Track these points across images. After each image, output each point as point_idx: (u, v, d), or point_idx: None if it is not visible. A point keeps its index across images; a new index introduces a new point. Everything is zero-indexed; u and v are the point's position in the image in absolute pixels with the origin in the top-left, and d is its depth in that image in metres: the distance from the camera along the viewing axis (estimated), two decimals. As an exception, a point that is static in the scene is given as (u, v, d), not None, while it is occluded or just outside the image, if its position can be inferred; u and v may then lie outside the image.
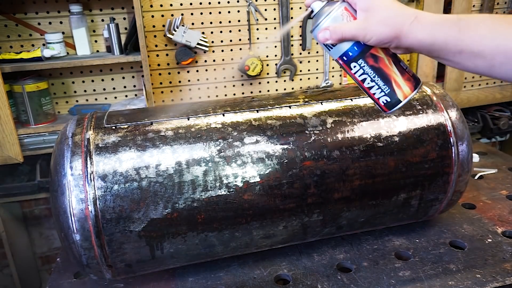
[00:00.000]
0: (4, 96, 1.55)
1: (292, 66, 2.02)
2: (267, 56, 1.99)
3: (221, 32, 1.90)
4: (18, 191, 1.71)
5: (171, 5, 1.81)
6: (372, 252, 1.16)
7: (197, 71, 1.94)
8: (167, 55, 1.87)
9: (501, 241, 1.17)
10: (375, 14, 0.66)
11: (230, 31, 1.91)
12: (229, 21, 1.90)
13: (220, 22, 1.89)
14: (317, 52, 2.05)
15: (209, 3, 1.84)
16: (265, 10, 1.92)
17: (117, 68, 1.86)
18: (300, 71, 2.06)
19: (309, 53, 2.04)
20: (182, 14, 1.83)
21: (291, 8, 1.95)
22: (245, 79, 2.00)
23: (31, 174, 1.75)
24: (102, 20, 1.79)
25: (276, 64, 2.02)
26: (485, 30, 0.63)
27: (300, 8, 1.96)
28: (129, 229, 0.91)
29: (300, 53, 2.03)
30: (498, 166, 1.66)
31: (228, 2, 1.86)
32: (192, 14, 1.84)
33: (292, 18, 1.95)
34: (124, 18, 1.81)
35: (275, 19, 1.94)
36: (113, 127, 0.98)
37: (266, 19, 1.93)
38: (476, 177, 1.57)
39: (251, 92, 2.04)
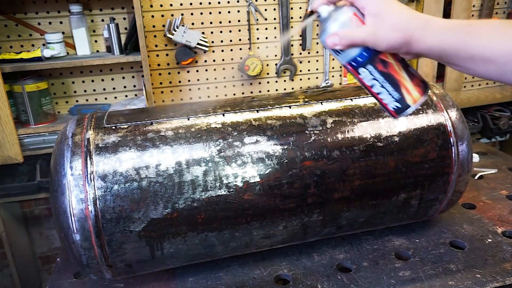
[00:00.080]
0: (4, 96, 1.55)
1: (292, 66, 2.02)
2: (267, 56, 1.99)
3: (221, 32, 1.90)
4: (18, 191, 1.71)
5: (171, 5, 1.81)
6: (372, 252, 1.16)
7: (197, 71, 1.94)
8: (167, 55, 1.87)
9: (501, 241, 1.17)
10: (385, 19, 0.65)
11: (230, 31, 1.91)
12: (229, 21, 1.90)
13: (220, 22, 1.89)
14: (317, 52, 2.05)
15: (209, 3, 1.84)
16: (265, 10, 1.92)
17: (117, 68, 1.86)
18: (300, 71, 2.06)
19: (309, 53, 2.04)
20: (182, 14, 1.83)
21: (291, 8, 1.95)
22: (245, 79, 2.00)
23: (31, 174, 1.75)
24: (102, 20, 1.79)
25: (276, 64, 2.02)
26: (496, 36, 0.62)
27: (300, 8, 1.96)
28: (129, 229, 0.91)
29: (300, 53, 2.03)
30: (498, 166, 1.66)
31: (228, 2, 1.86)
32: (192, 14, 1.84)
33: (292, 18, 1.95)
34: (124, 18, 1.81)
35: (275, 19, 1.94)
36: (113, 127, 0.98)
37: (266, 19, 1.93)
38: (476, 177, 1.57)
39: (251, 92, 2.04)
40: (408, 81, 0.70)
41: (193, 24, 1.86)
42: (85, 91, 1.86)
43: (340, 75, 2.13)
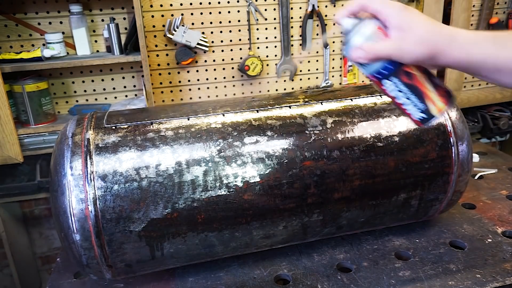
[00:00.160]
0: (4, 96, 1.55)
1: (292, 66, 2.02)
2: (267, 56, 1.99)
3: (221, 32, 1.90)
4: (18, 191, 1.72)
5: (171, 5, 1.81)
6: (372, 252, 1.16)
7: (197, 71, 1.94)
8: (167, 55, 1.87)
9: (501, 241, 1.17)
10: (410, 33, 0.64)
11: (230, 31, 1.91)
12: (229, 21, 1.90)
13: (220, 22, 1.89)
14: (317, 52, 2.05)
15: (209, 3, 1.85)
16: (265, 10, 1.92)
17: (117, 68, 1.86)
18: (300, 71, 2.06)
19: (309, 53, 2.04)
20: (182, 14, 1.83)
21: (291, 8, 1.95)
22: (245, 79, 2.00)
23: (31, 174, 1.75)
24: (102, 20, 1.79)
25: (276, 64, 2.02)
26: None
27: (300, 8, 1.96)
28: (129, 229, 0.91)
29: (300, 53, 2.03)
30: (498, 166, 1.66)
31: (228, 2, 1.87)
32: (192, 14, 1.84)
33: (292, 18, 1.95)
34: (124, 18, 1.81)
35: (275, 19, 1.94)
36: (113, 127, 0.98)
37: (266, 19, 1.93)
38: (476, 177, 1.57)
39: (251, 92, 2.04)
40: (433, 91, 0.70)
41: (193, 24, 1.86)
42: (85, 91, 1.86)
43: (340, 75, 2.13)
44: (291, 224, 1.03)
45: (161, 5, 1.80)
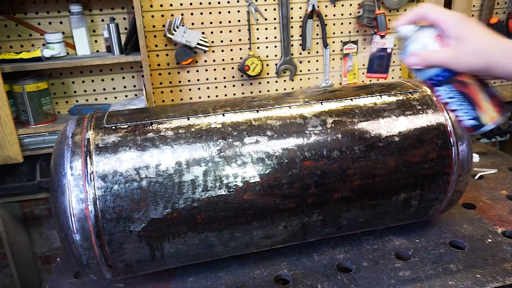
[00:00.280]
0: (4, 96, 1.55)
1: (292, 66, 2.02)
2: (267, 56, 1.99)
3: (221, 32, 1.90)
4: (18, 191, 1.72)
5: (171, 5, 1.81)
6: (372, 252, 1.16)
7: (197, 71, 1.94)
8: (167, 55, 1.87)
9: (501, 241, 1.17)
10: (467, 44, 0.66)
11: (230, 31, 1.91)
12: (229, 21, 1.90)
13: (220, 22, 1.89)
14: (317, 52, 2.05)
15: (209, 3, 1.85)
16: (265, 10, 1.92)
17: (117, 68, 1.86)
18: (300, 71, 2.06)
19: (309, 53, 2.04)
20: (182, 14, 1.83)
21: (291, 8, 1.95)
22: (245, 79, 2.00)
23: (31, 174, 1.75)
24: (102, 20, 1.79)
25: (276, 64, 2.02)
26: None
27: (300, 8, 1.96)
28: (129, 229, 0.91)
29: (300, 53, 2.03)
30: (498, 166, 1.66)
31: (228, 2, 1.87)
32: (192, 14, 1.84)
33: (292, 18, 1.95)
34: (124, 18, 1.81)
35: (275, 19, 1.94)
36: (113, 127, 0.98)
37: (266, 19, 1.93)
38: (476, 177, 1.57)
39: (251, 92, 2.04)
40: (486, 101, 0.71)
41: (193, 24, 1.86)
42: (85, 91, 1.86)
43: (340, 75, 2.13)
44: (291, 224, 1.03)
45: (161, 5, 1.80)
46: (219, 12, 1.87)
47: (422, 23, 0.71)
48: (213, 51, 1.92)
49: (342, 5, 2.01)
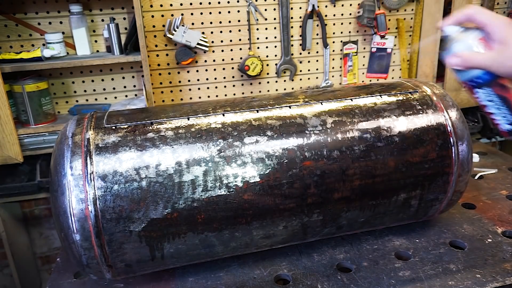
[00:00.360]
0: (4, 96, 1.55)
1: (292, 66, 2.02)
2: (267, 56, 1.99)
3: (221, 32, 1.90)
4: (18, 191, 1.72)
5: (171, 5, 1.81)
6: (372, 252, 1.16)
7: (197, 71, 1.94)
8: (167, 55, 1.87)
9: (501, 241, 1.17)
10: (511, 48, 0.66)
11: (230, 31, 1.91)
12: (229, 21, 1.90)
13: (220, 22, 1.89)
14: (317, 52, 2.05)
15: (209, 3, 1.85)
16: (265, 10, 1.92)
17: (117, 68, 1.86)
18: (300, 71, 2.06)
19: (309, 53, 2.04)
20: (182, 14, 1.83)
21: (291, 8, 1.95)
22: (245, 79, 2.00)
23: (31, 174, 1.75)
24: (102, 20, 1.79)
25: (276, 64, 2.02)
26: None
27: (300, 8, 1.96)
28: (129, 229, 0.91)
29: (300, 53, 2.03)
30: (498, 166, 1.66)
31: (228, 2, 1.87)
32: (192, 14, 1.84)
33: (292, 18, 1.96)
34: (124, 18, 1.81)
35: (275, 19, 1.94)
36: (113, 127, 0.98)
37: (266, 19, 1.93)
38: (476, 177, 1.57)
39: (251, 92, 2.04)
40: None
41: (193, 24, 1.86)
42: (85, 91, 1.86)
43: (340, 75, 2.13)
44: (291, 224, 1.03)
45: (161, 5, 1.80)
46: (219, 12, 1.87)
47: (468, 25, 0.71)
48: (213, 51, 1.92)
49: (342, 5, 2.01)
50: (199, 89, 1.96)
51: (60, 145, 0.94)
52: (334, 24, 2.03)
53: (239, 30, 1.92)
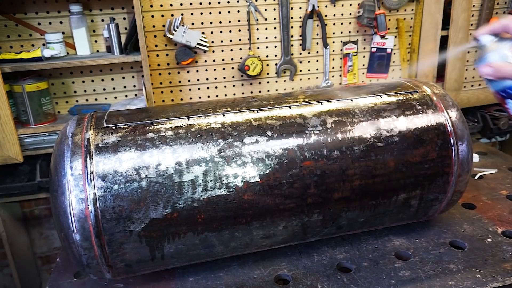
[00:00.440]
0: (4, 96, 1.55)
1: (292, 66, 2.02)
2: (267, 56, 1.99)
3: (221, 32, 1.90)
4: (18, 191, 1.71)
5: (171, 5, 1.81)
6: (372, 252, 1.16)
7: (197, 71, 1.94)
8: (167, 55, 1.87)
9: (501, 241, 1.17)
10: None
11: (230, 31, 1.91)
12: (229, 21, 1.90)
13: (220, 22, 1.89)
14: (317, 52, 2.05)
15: (209, 3, 1.84)
16: (265, 10, 1.92)
17: (117, 68, 1.86)
18: (300, 71, 2.06)
19: (309, 53, 2.04)
20: (182, 14, 1.83)
21: (291, 8, 1.95)
22: (245, 79, 2.00)
23: (31, 174, 1.75)
24: (102, 20, 1.79)
25: (276, 64, 2.02)
26: None
27: (300, 8, 1.96)
28: (129, 229, 0.91)
29: (300, 53, 2.03)
30: (498, 166, 1.66)
31: (228, 2, 1.86)
32: (192, 14, 1.84)
33: (292, 18, 1.95)
34: (124, 18, 1.81)
35: (275, 19, 1.94)
36: (113, 127, 0.98)
37: (266, 19, 1.93)
38: (476, 177, 1.57)
39: (251, 92, 2.04)
40: None
41: (193, 24, 1.86)
42: (85, 91, 1.86)
43: (340, 75, 2.13)
44: (291, 224, 1.03)
45: (161, 5, 1.80)
46: (219, 12, 1.87)
47: (504, 35, 0.72)
48: (213, 51, 1.92)
49: (342, 5, 2.01)
50: (199, 89, 1.96)
51: (60, 145, 0.94)
52: (334, 24, 2.03)
53: (239, 30, 1.92)
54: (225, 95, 2.01)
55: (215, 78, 1.97)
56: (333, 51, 2.08)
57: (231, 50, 1.94)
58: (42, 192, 1.76)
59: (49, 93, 1.71)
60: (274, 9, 1.93)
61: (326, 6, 1.99)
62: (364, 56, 2.13)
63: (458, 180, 1.12)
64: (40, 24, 1.74)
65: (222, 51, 1.93)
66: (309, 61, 2.06)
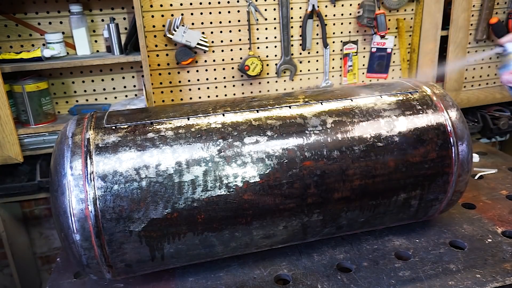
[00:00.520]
0: (4, 96, 1.55)
1: (292, 66, 2.02)
2: (267, 56, 1.99)
3: (221, 32, 1.90)
4: (18, 191, 1.71)
5: (171, 5, 1.81)
6: (372, 252, 1.16)
7: (197, 71, 1.94)
8: (167, 55, 1.87)
9: (501, 241, 1.17)
10: None
11: (230, 31, 1.91)
12: (229, 21, 1.90)
13: (220, 22, 1.89)
14: (317, 52, 2.05)
15: (209, 3, 1.84)
16: (265, 10, 1.92)
17: (117, 68, 1.86)
18: (300, 71, 2.06)
19: (309, 53, 2.04)
20: (182, 14, 1.83)
21: (291, 8, 1.95)
22: (245, 79, 2.00)
23: (31, 174, 1.75)
24: (102, 20, 1.79)
25: (276, 64, 2.02)
26: None
27: (300, 8, 1.96)
28: (129, 229, 0.91)
29: (300, 53, 2.03)
30: (498, 166, 1.66)
31: (228, 2, 1.86)
32: (192, 14, 1.84)
33: (292, 18, 1.95)
34: (124, 18, 1.81)
35: (275, 19, 1.94)
36: (113, 127, 0.98)
37: (266, 19, 1.93)
38: (476, 177, 1.57)
39: (251, 92, 2.04)
40: None
41: (193, 24, 1.86)
42: (85, 91, 1.86)
43: (340, 75, 2.13)
44: (291, 224, 1.03)
45: (161, 5, 1.80)
46: (219, 12, 1.87)
47: None
48: (213, 51, 1.92)
49: (342, 5, 2.01)
50: (199, 89, 1.96)
51: (60, 145, 0.94)
52: (334, 24, 2.03)
53: (239, 30, 1.92)
54: (225, 95, 2.01)
55: (215, 78, 1.97)
56: (333, 51, 2.08)
57: (231, 50, 1.94)
58: (42, 192, 1.76)
59: (49, 93, 1.71)
60: (274, 9, 1.93)
61: (326, 6, 1.99)
62: (364, 56, 2.13)
63: (458, 180, 1.12)
64: (40, 24, 1.74)
65: (222, 51, 1.93)
66: (309, 61, 2.06)
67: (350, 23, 2.05)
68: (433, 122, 1.10)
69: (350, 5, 2.02)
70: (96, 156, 0.91)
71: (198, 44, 1.84)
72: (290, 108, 1.07)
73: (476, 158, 1.74)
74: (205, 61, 1.93)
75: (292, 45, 2.00)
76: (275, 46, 1.99)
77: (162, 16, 1.81)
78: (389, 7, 2.05)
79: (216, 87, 1.98)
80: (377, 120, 1.07)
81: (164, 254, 0.97)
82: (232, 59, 1.96)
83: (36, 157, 1.72)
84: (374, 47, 2.10)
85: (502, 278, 1.03)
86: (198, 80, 1.95)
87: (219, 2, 1.86)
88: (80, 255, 0.91)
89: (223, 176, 0.95)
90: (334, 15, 2.01)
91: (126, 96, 1.92)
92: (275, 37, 1.97)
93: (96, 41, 1.81)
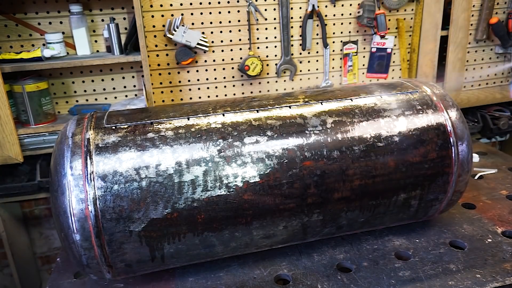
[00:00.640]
0: (4, 96, 1.55)
1: (292, 66, 2.02)
2: (267, 56, 1.99)
3: (221, 32, 1.90)
4: (18, 191, 1.71)
5: (171, 5, 1.81)
6: (372, 252, 1.16)
7: (197, 71, 1.94)
8: (167, 55, 1.87)
9: (501, 241, 1.17)
10: None
11: (230, 31, 1.91)
12: (229, 21, 1.90)
13: (220, 22, 1.89)
14: (317, 52, 2.05)
15: (209, 3, 1.85)
16: (265, 10, 1.92)
17: (117, 68, 1.86)
18: (300, 71, 2.06)
19: (309, 53, 2.04)
20: (182, 14, 1.83)
21: (291, 8, 1.95)
22: (245, 79, 2.00)
23: (31, 174, 1.75)
24: (102, 20, 1.79)
25: (276, 64, 2.02)
26: None
27: (300, 8, 1.96)
28: (129, 229, 0.91)
29: (300, 53, 2.03)
30: (498, 166, 1.66)
31: (228, 2, 1.86)
32: (192, 14, 1.84)
33: (292, 18, 1.95)
34: (124, 18, 1.81)
35: (275, 19, 1.94)
36: (113, 127, 0.98)
37: (266, 19, 1.93)
38: (476, 177, 1.57)
39: (251, 92, 2.04)
40: None
41: (193, 24, 1.86)
42: (85, 91, 1.86)
43: (340, 75, 2.13)
44: (291, 224, 1.03)
45: (161, 5, 1.80)
46: (219, 12, 1.87)
47: None
48: (213, 51, 1.92)
49: (342, 5, 2.01)
50: (199, 89, 1.96)
51: (60, 145, 0.94)
52: (334, 24, 2.03)
53: (239, 30, 1.92)
54: (225, 95, 2.01)
55: (215, 78, 1.97)
56: (333, 51, 2.08)
57: (231, 50, 1.94)
58: (42, 192, 1.76)
59: (49, 93, 1.71)
60: (274, 9, 1.93)
61: (326, 6, 1.99)
62: (364, 56, 2.13)
63: (458, 180, 1.12)
64: (40, 24, 1.74)
65: (222, 51, 1.93)
66: (309, 61, 2.06)
67: (350, 23, 2.06)
68: (433, 122, 1.10)
69: (350, 5, 2.02)
70: (96, 156, 0.91)
71: (198, 44, 1.84)
72: (290, 108, 1.07)
73: (476, 158, 1.74)
74: (205, 61, 1.93)
75: (292, 45, 2.00)
76: (275, 46, 1.99)
77: (162, 16, 1.81)
78: (389, 7, 2.05)
79: (216, 87, 1.98)
80: (377, 120, 1.07)
81: (164, 254, 0.97)
82: (232, 59, 1.96)
83: (36, 157, 1.72)
84: (374, 47, 2.10)
85: (502, 278, 1.03)
86: (198, 80, 1.95)
87: (219, 2, 1.86)
88: (80, 255, 0.91)
89: (223, 176, 0.95)
90: (334, 15, 2.01)
91: (126, 96, 1.92)
92: (275, 37, 1.97)
93: (96, 41, 1.81)
